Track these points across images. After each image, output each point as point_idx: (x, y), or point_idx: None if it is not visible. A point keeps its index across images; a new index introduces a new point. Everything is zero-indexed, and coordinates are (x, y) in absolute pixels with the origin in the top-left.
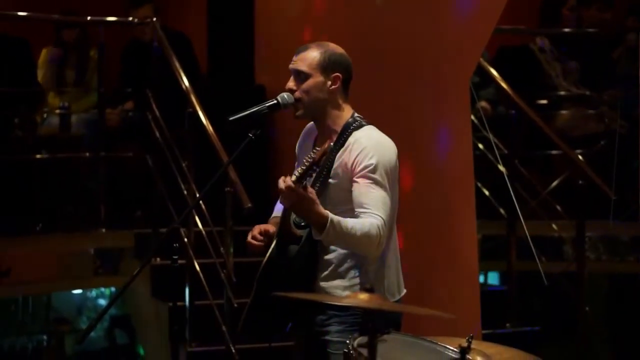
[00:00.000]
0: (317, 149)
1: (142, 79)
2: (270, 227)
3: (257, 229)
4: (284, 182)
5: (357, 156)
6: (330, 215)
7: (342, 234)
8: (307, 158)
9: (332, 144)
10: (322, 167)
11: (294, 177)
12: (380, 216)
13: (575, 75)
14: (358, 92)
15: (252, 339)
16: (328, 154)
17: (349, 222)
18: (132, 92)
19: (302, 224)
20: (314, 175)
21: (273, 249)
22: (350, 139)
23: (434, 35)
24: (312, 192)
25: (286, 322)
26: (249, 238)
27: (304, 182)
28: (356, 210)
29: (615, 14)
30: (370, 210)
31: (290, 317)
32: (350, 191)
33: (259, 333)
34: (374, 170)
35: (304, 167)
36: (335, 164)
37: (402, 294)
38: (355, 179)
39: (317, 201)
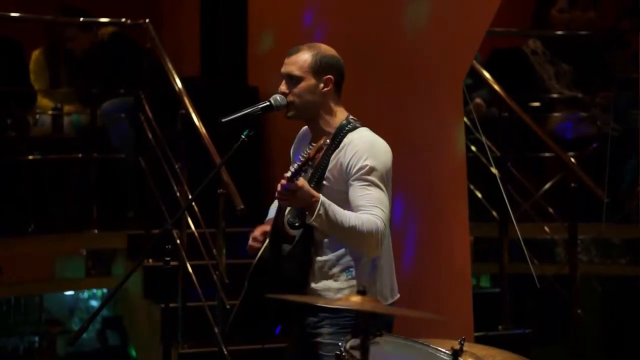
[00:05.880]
0: (313, 144)
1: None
2: (268, 223)
3: (258, 230)
4: (280, 184)
5: (351, 158)
6: (322, 197)
7: (334, 216)
8: (302, 154)
9: (328, 140)
10: (316, 168)
11: (289, 173)
12: (379, 215)
13: (568, 78)
14: (351, 95)
15: (244, 341)
16: (322, 155)
17: (342, 210)
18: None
19: (296, 224)
20: (308, 171)
21: (266, 247)
22: (345, 141)
23: (427, 38)
24: (301, 181)
25: (276, 324)
26: (251, 241)
27: (298, 178)
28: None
29: (604, 15)
30: (368, 210)
31: (280, 320)
32: (345, 193)
33: (248, 334)
34: (369, 172)
35: (299, 163)
36: (330, 166)
37: (395, 298)
38: (350, 181)
39: (307, 188)
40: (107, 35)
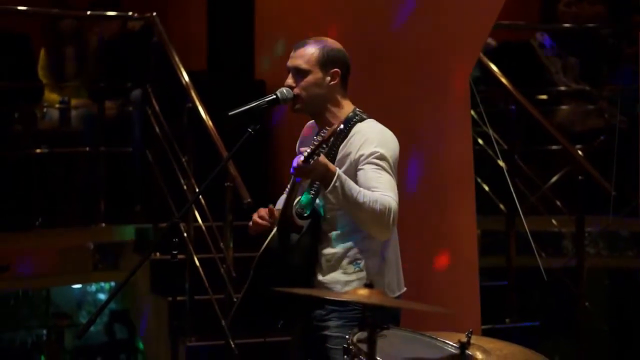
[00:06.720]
0: (327, 128)
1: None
2: (276, 210)
3: (263, 210)
4: (297, 162)
5: (361, 145)
6: (339, 170)
7: (349, 190)
8: (316, 138)
9: (342, 125)
10: (326, 157)
11: (302, 157)
12: (392, 197)
13: (575, 71)
14: (358, 88)
15: (252, 334)
16: (331, 146)
17: (358, 186)
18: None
19: (305, 214)
20: (321, 155)
21: (273, 236)
22: (353, 131)
23: (434, 31)
24: (321, 157)
25: (278, 318)
26: (255, 217)
27: (313, 159)
28: None
29: (613, 8)
30: (380, 191)
31: (282, 313)
32: (354, 181)
33: (252, 327)
34: (380, 157)
35: (314, 146)
36: (339, 156)
37: (402, 291)
38: (361, 166)
39: (324, 161)
40: (138, 27)
